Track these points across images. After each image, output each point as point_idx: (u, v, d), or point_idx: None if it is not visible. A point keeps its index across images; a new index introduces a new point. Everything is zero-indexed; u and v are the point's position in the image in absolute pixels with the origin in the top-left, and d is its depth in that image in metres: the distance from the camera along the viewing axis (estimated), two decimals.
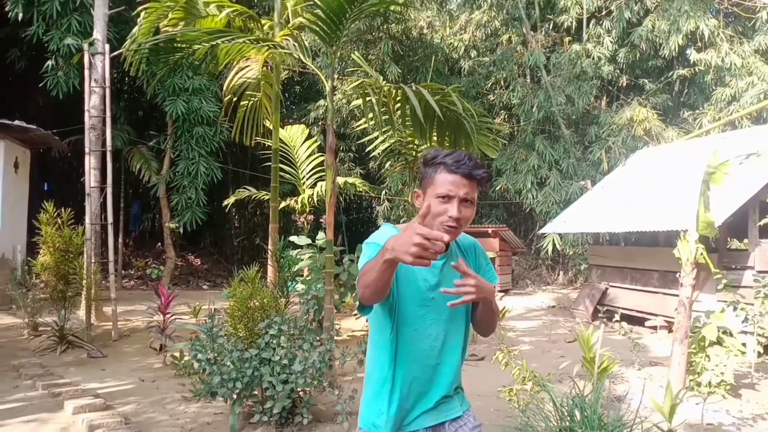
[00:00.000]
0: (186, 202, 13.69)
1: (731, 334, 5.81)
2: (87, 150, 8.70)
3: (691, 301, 5.63)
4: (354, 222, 21.18)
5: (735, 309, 6.23)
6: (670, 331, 9.57)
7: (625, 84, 15.82)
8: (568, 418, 3.21)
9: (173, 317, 7.39)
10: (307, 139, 9.43)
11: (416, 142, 6.92)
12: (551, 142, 15.54)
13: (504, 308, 9.26)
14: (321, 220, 8.69)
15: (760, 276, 7.09)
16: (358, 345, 5.00)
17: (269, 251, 6.86)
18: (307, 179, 9.20)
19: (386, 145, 7.00)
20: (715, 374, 5.37)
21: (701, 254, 5.55)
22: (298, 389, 4.57)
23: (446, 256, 1.92)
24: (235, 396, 4.53)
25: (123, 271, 14.89)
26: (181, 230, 13.98)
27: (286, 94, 19.62)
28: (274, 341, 4.58)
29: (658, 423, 3.77)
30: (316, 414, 4.82)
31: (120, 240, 14.81)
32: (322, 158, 9.44)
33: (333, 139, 5.50)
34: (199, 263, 17.62)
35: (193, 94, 13.14)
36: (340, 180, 8.94)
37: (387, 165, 7.67)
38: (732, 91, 13.55)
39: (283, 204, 9.15)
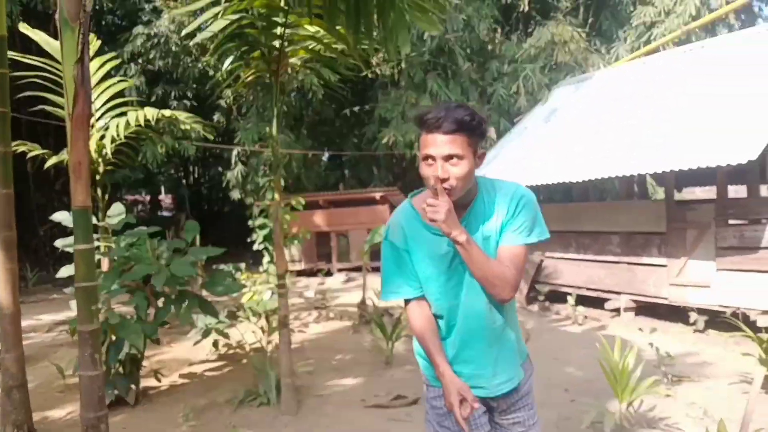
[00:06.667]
0: None
1: None
2: None
3: None
4: (199, 196, 16.95)
5: None
6: (638, 313, 7.21)
7: (526, 9, 13.11)
8: None
9: None
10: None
11: (277, 19, 3.54)
12: (446, 82, 12.61)
13: None
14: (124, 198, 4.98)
15: None
16: None
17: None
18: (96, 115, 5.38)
19: (225, 23, 3.50)
20: None
21: None
22: None
23: (464, 217, 1.84)
24: None
25: None
26: None
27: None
28: None
29: None
30: None
31: None
32: (123, 84, 5.76)
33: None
34: None
35: None
36: (152, 113, 5.06)
37: (226, 66, 3.89)
38: (656, 11, 11.22)
39: (54, 159, 5.34)
